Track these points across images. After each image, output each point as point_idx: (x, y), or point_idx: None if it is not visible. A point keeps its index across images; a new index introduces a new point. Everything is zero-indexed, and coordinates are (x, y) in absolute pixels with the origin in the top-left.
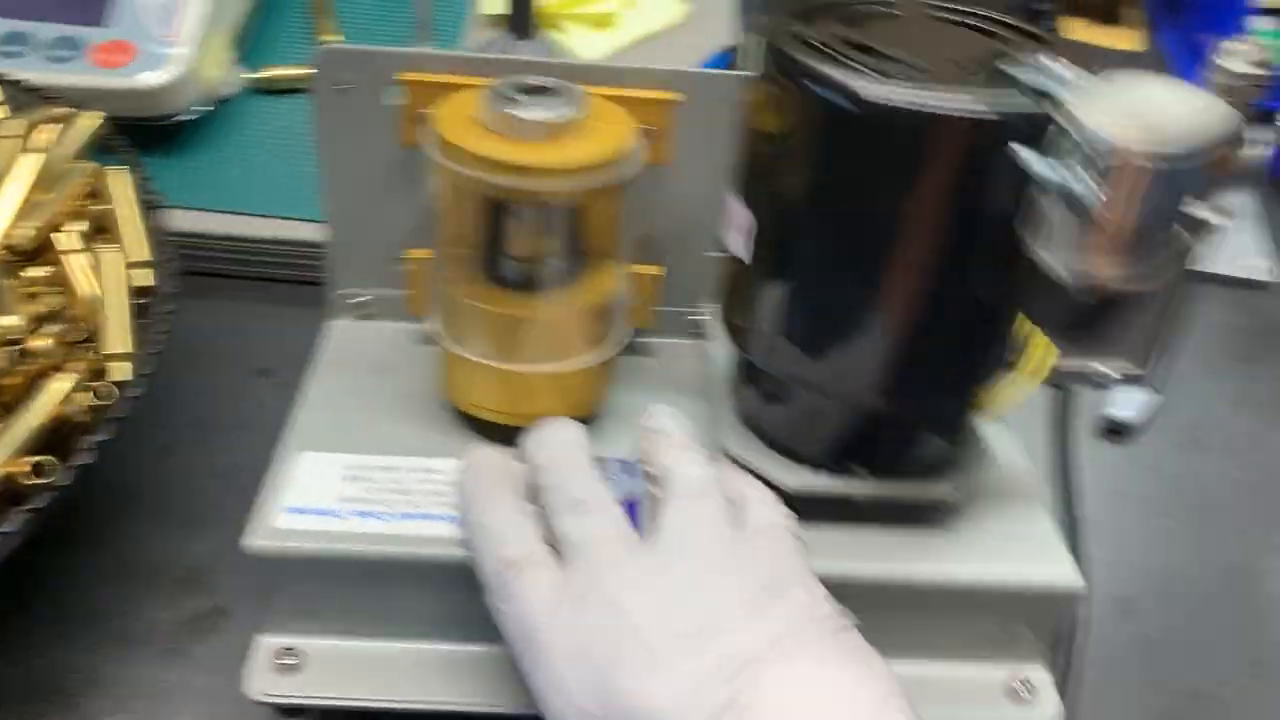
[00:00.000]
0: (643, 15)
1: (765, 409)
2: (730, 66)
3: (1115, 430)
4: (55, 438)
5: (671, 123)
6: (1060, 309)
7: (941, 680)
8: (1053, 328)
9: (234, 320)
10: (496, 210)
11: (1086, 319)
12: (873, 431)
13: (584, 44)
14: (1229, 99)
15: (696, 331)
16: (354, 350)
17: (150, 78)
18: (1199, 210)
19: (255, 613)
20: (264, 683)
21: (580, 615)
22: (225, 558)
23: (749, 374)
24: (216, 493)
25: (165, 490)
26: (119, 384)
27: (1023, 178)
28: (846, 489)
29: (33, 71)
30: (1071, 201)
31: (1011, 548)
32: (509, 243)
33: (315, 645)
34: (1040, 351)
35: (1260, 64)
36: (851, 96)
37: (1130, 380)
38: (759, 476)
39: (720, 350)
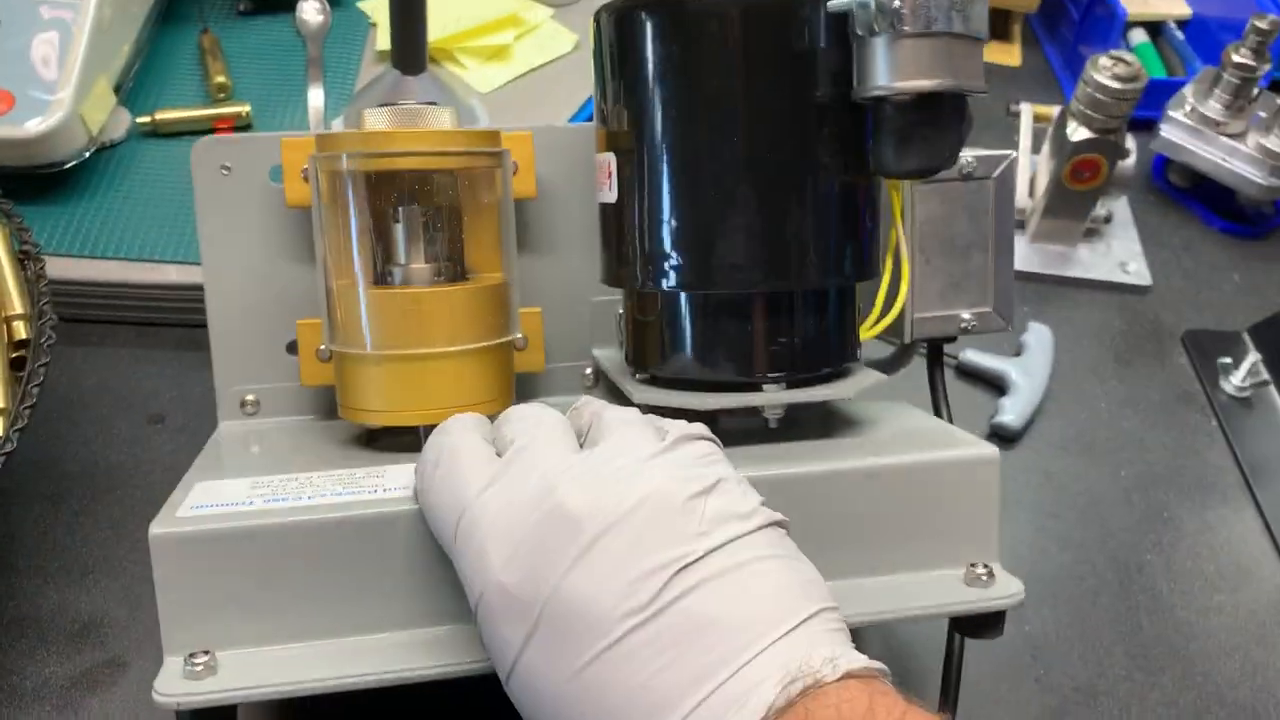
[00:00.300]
0: (536, 47)
1: (663, 353)
2: None
3: (1000, 436)
4: None
5: (529, 157)
6: (895, 134)
7: (903, 584)
8: (890, 154)
9: (122, 367)
10: (385, 217)
11: (915, 132)
12: (766, 331)
13: (479, 77)
14: (1101, 111)
15: (588, 386)
16: (246, 441)
17: (31, 126)
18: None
19: (154, 661)
20: (177, 688)
21: (513, 493)
22: (120, 608)
23: (640, 328)
24: (109, 542)
25: (55, 542)
26: None
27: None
28: (753, 400)
29: None
30: (879, 14)
31: (919, 439)
32: (395, 248)
33: (227, 645)
34: (888, 281)
35: (1130, 78)
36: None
37: (983, 322)
38: (671, 412)
39: (607, 352)
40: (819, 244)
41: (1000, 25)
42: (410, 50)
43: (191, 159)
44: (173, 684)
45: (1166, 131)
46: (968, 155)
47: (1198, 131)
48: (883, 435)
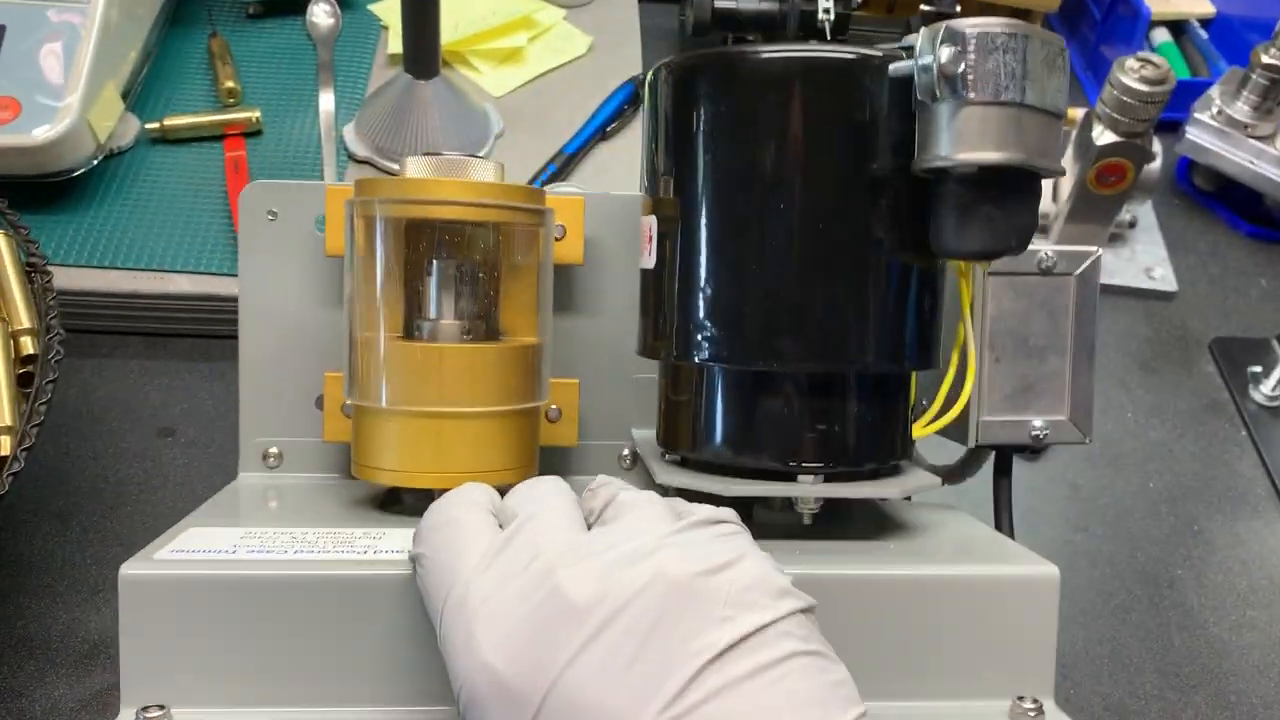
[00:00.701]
0: (550, 49)
1: (694, 433)
2: (634, 97)
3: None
4: None
5: (579, 223)
6: (956, 210)
7: (940, 714)
8: (949, 233)
9: (132, 379)
10: (417, 269)
11: (977, 209)
12: (805, 416)
13: (493, 80)
14: (1128, 114)
15: (625, 468)
16: (257, 493)
17: (38, 134)
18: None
19: None
20: None
21: (509, 572)
22: None
23: (672, 406)
24: (118, 560)
25: (64, 560)
26: (0, 459)
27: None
28: (786, 490)
29: None
30: (942, 79)
31: (971, 550)
32: (425, 302)
33: (186, 703)
34: (952, 377)
35: (1158, 80)
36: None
37: (1056, 432)
38: (698, 497)
39: (646, 434)
40: (867, 324)
41: None
42: (423, 55)
43: (240, 203)
44: None
45: (1193, 134)
46: (1047, 249)
47: (1224, 133)
48: (931, 543)
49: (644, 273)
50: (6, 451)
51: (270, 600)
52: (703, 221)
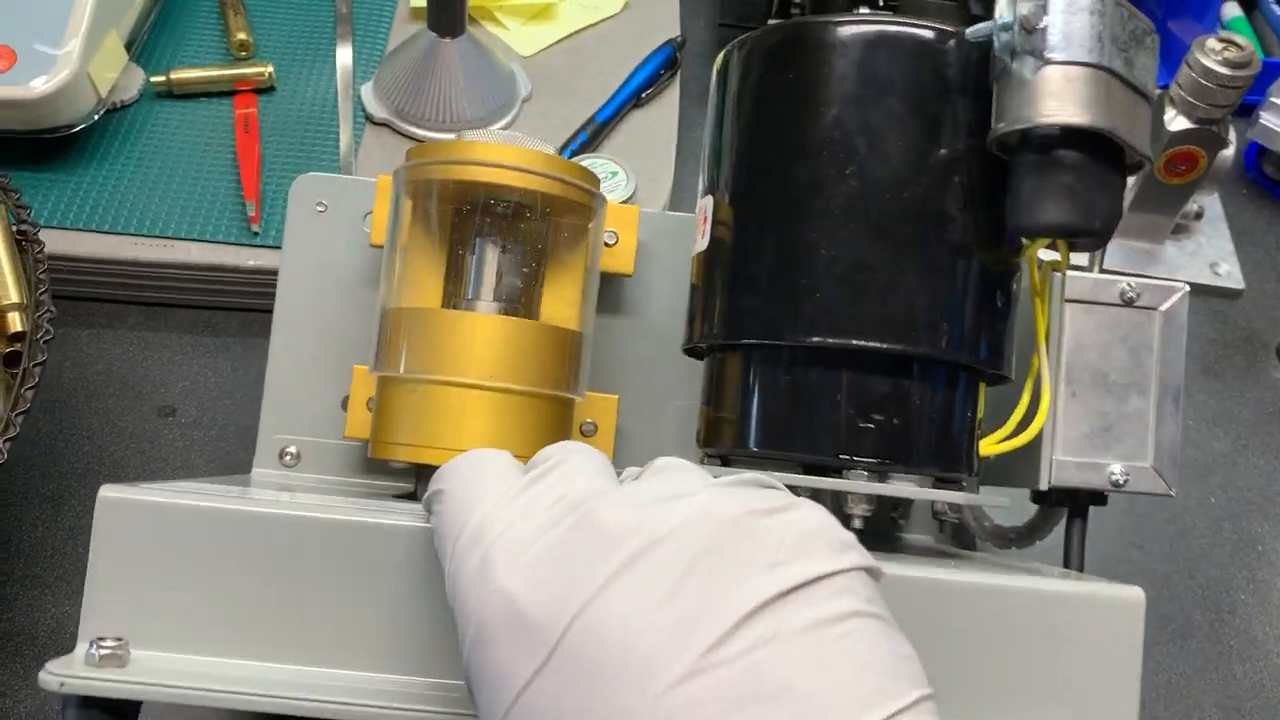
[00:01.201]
0: (582, 7)
1: (738, 424)
2: (671, 60)
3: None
4: None
5: (632, 232)
6: (1034, 177)
7: None
8: (1025, 203)
9: (131, 353)
10: (460, 245)
11: (1056, 178)
12: (870, 403)
13: (521, 38)
14: (1206, 99)
15: None
16: (268, 483)
17: (35, 85)
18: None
19: None
20: (71, 669)
21: (536, 504)
22: None
23: (714, 398)
24: None
25: (54, 548)
26: None
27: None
28: (834, 484)
29: None
30: (1023, 33)
31: (1043, 573)
32: (465, 278)
33: (148, 642)
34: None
35: (1242, 63)
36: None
37: (1137, 479)
38: None
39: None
40: (938, 302)
41: None
42: (449, 11)
43: (290, 192)
44: (69, 666)
45: (1268, 118)
46: (1130, 279)
47: None
48: (996, 562)
49: (696, 258)
50: None
51: (260, 541)
52: (766, 192)
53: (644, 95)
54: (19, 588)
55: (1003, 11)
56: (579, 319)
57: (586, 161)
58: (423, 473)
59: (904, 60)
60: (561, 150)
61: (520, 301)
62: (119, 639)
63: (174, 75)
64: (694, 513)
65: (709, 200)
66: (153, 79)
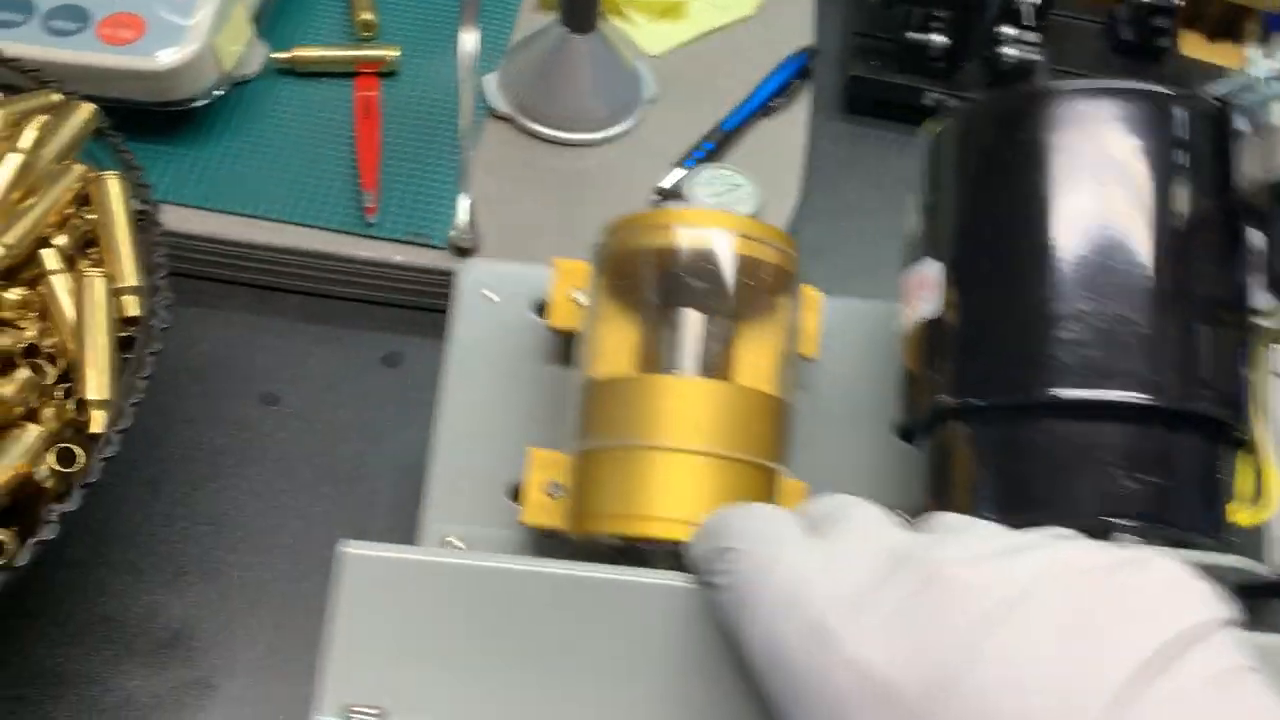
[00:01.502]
0: (713, 6)
1: (974, 494)
2: (807, 69)
3: None
4: (18, 498)
5: (815, 314)
6: None
7: None
8: None
9: (236, 336)
10: (662, 314)
11: None
12: (1130, 461)
13: (649, 35)
14: None
15: None
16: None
17: (162, 57)
18: None
19: (245, 687)
20: None
21: (858, 560)
22: (214, 619)
23: (941, 474)
24: (206, 539)
25: (151, 534)
26: (93, 436)
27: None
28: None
29: (32, 45)
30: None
31: None
32: (665, 349)
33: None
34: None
35: None
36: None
37: None
38: None
39: None
40: (1196, 356)
41: (1235, 23)
42: (583, 6)
43: (457, 279)
44: None
45: None
46: None
47: None
48: None
49: (919, 325)
50: (100, 428)
51: (524, 598)
52: (1013, 254)
53: (772, 104)
54: (113, 572)
55: (1256, 64)
56: (780, 387)
57: (711, 172)
58: (628, 551)
59: (1150, 124)
60: (684, 160)
61: (720, 371)
62: (376, 709)
63: (297, 52)
64: (1052, 567)
65: (937, 267)
66: (275, 55)
